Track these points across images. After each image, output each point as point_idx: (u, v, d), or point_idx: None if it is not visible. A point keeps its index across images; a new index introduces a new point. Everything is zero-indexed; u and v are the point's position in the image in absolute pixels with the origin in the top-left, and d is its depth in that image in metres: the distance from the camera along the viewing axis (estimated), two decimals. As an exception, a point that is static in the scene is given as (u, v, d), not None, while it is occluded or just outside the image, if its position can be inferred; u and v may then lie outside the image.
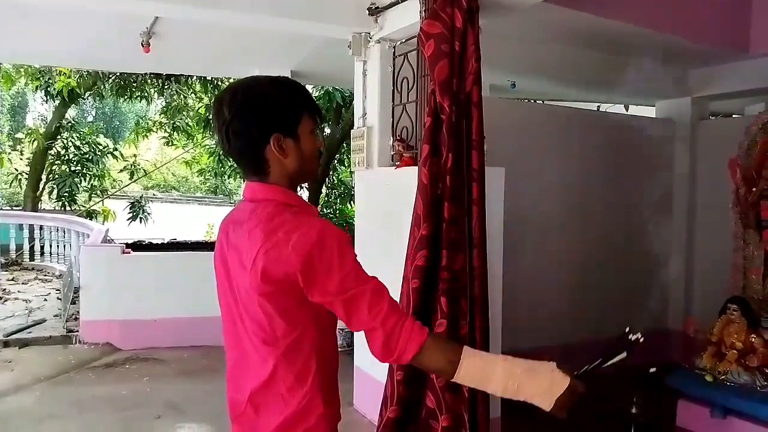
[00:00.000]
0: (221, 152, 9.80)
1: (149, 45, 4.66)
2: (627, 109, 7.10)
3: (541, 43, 4.53)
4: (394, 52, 3.83)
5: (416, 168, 3.11)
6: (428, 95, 3.06)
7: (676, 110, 5.65)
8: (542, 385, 1.23)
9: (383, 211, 3.82)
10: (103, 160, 11.80)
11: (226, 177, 12.73)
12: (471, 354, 1.25)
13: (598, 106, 7.34)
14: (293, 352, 1.28)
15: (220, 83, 9.18)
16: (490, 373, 1.24)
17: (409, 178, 3.25)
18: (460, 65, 2.94)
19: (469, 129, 2.98)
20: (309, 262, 1.20)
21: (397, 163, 3.67)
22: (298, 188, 1.42)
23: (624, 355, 1.30)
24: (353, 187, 6.53)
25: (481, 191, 2.98)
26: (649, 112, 6.39)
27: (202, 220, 12.78)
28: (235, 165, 1.39)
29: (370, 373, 3.86)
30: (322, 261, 1.20)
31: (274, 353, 1.28)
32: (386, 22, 3.74)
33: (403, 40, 3.75)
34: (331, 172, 10.34)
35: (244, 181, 1.39)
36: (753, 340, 3.56)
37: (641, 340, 1.32)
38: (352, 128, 4.19)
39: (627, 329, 1.33)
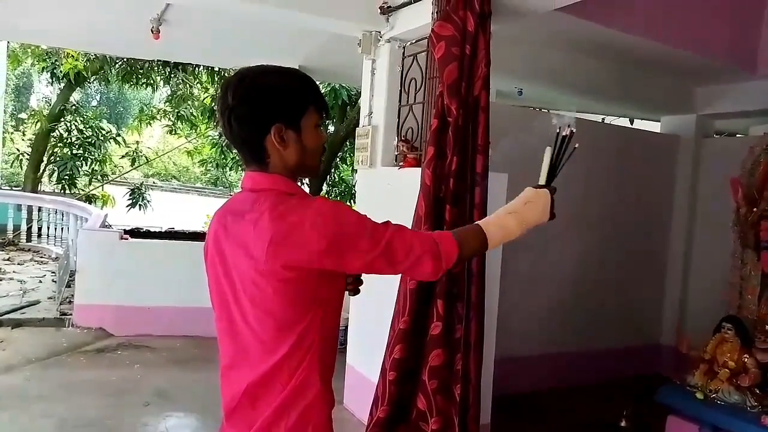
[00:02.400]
0: (224, 141, 9.80)
1: (159, 32, 4.66)
2: (632, 123, 7.11)
3: (550, 52, 4.54)
4: (403, 52, 3.83)
5: (420, 169, 3.11)
6: (436, 97, 3.06)
7: (681, 126, 5.65)
8: (539, 209, 1.49)
9: (384, 211, 3.76)
10: (106, 145, 11.80)
11: (228, 169, 12.73)
12: (486, 224, 1.43)
13: (603, 118, 7.34)
14: (304, 335, 1.28)
15: (226, 74, 9.18)
16: (506, 227, 1.44)
17: (412, 179, 3.25)
18: (470, 69, 2.94)
19: (475, 133, 2.98)
20: (336, 239, 1.22)
21: (401, 163, 3.67)
22: (299, 183, 1.41)
23: (575, 145, 1.52)
24: (354, 186, 6.54)
25: (483, 196, 2.98)
26: (654, 126, 6.40)
27: (201, 211, 12.78)
28: (236, 153, 1.39)
29: (361, 372, 3.86)
30: (347, 229, 1.24)
31: (288, 338, 1.27)
32: (397, 22, 3.74)
33: (414, 41, 3.74)
34: (332, 170, 10.33)
35: (244, 170, 1.38)
36: (746, 360, 3.55)
37: (573, 130, 1.51)
38: (357, 126, 4.18)
39: (558, 127, 1.51)
